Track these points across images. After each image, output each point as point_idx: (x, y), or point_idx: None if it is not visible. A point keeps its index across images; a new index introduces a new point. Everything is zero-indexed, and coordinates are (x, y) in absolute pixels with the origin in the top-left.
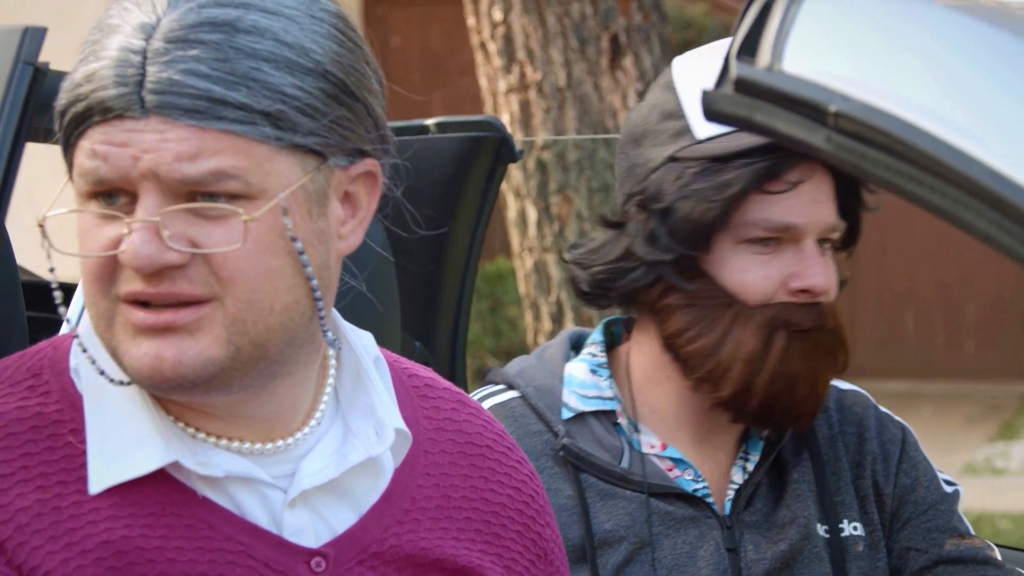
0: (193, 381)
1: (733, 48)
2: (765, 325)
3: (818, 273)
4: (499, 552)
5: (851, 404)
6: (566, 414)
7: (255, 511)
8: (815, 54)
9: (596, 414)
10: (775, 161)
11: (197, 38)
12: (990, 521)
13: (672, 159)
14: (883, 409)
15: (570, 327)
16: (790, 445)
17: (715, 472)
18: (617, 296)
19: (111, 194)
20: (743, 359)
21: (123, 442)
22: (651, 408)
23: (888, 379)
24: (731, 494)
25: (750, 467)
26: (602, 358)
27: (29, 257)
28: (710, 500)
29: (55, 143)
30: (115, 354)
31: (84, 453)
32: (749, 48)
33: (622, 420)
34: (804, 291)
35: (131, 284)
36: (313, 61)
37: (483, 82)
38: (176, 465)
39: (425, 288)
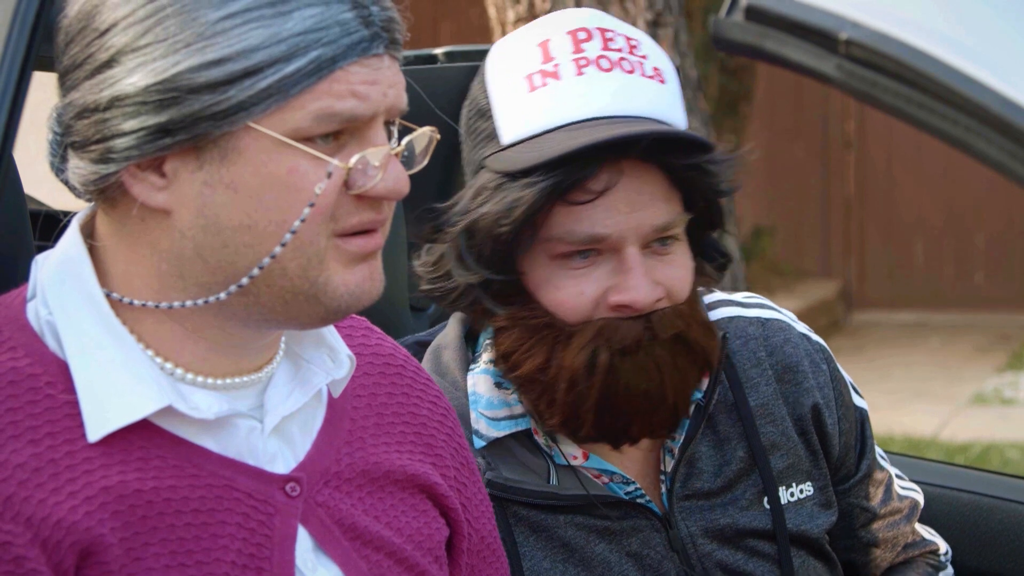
0: (379, 295)
1: None
2: (587, 345)
3: (637, 286)
4: (434, 461)
5: (781, 344)
6: (478, 443)
7: (230, 444)
8: None
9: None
10: (569, 174)
11: None
12: (999, 451)
13: (482, 167)
14: (803, 329)
15: None
16: (724, 413)
17: (643, 466)
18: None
19: (327, 136)
20: (566, 383)
21: (114, 388)
22: None
23: (897, 310)
24: (664, 485)
25: (676, 448)
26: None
27: (36, 187)
28: (645, 500)
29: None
30: (322, 289)
31: (64, 404)
32: None
33: (539, 437)
34: (624, 306)
35: (360, 215)
36: None
37: (492, 12)
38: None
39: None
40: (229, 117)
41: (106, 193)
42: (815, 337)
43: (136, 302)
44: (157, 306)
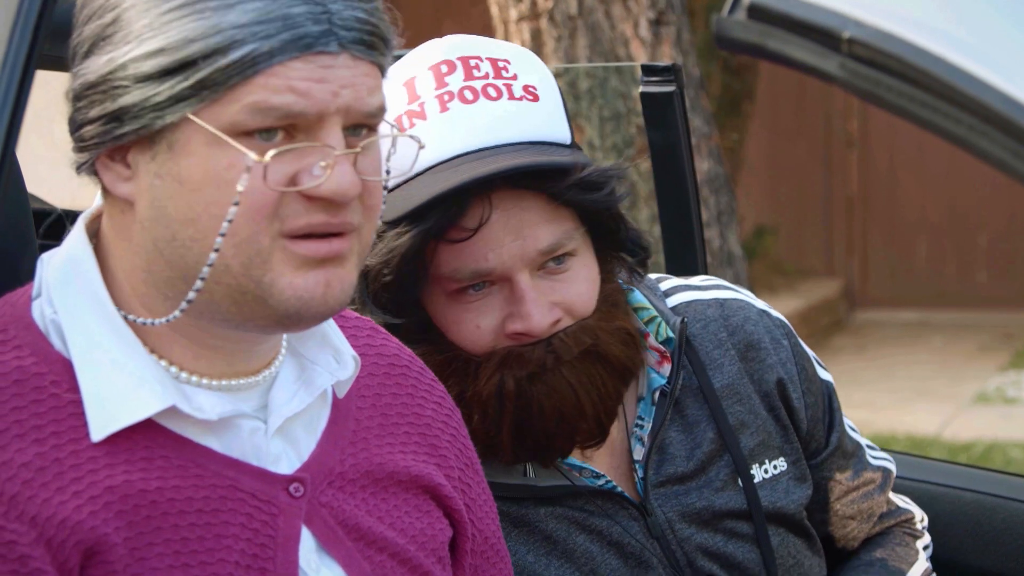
0: (340, 308)
1: None
2: (493, 375)
3: (530, 313)
4: (438, 462)
5: (741, 323)
6: None
7: (234, 444)
8: None
9: None
10: (440, 217)
11: None
12: (1002, 450)
13: None
14: (762, 306)
15: None
16: (690, 397)
17: (612, 457)
18: None
19: (269, 131)
20: (479, 412)
21: (118, 388)
22: None
23: (899, 309)
24: (638, 474)
25: (645, 436)
26: None
27: (39, 186)
28: (620, 490)
29: (69, 71)
30: (268, 290)
31: (69, 404)
32: None
33: None
34: (521, 334)
35: (309, 217)
36: None
37: (494, 10)
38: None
39: None
40: (168, 108)
41: (103, 187)
42: (775, 313)
43: (132, 318)
44: (150, 323)
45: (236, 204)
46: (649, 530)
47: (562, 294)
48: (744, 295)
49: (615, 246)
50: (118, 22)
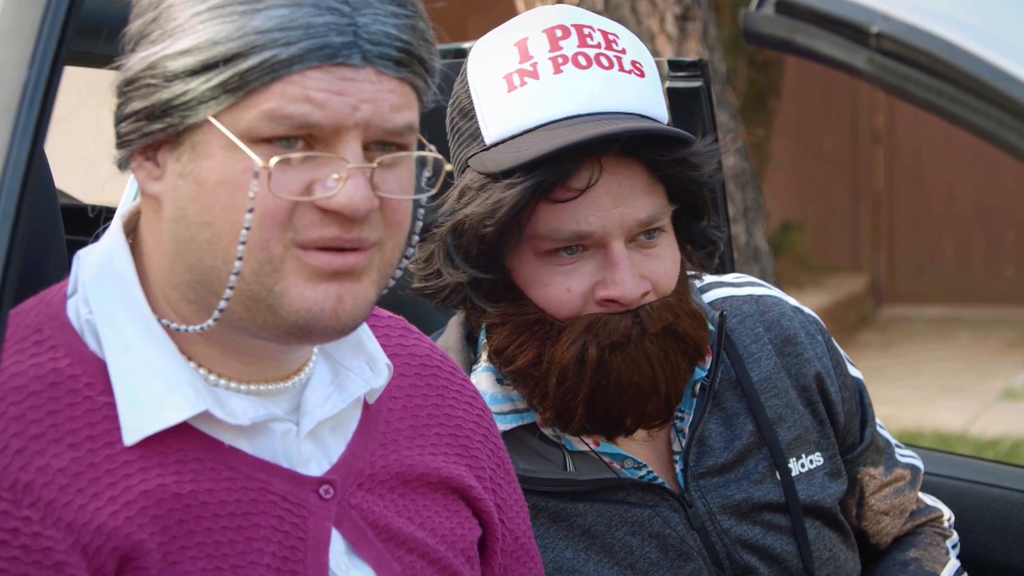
0: (354, 324)
1: None
2: (576, 340)
3: (623, 280)
4: (469, 463)
5: (777, 319)
6: None
7: (266, 446)
8: None
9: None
10: (550, 173)
11: None
12: None
13: (466, 166)
14: (795, 303)
15: None
16: (729, 389)
17: (653, 449)
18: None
19: (289, 139)
20: (556, 377)
21: (152, 393)
22: None
23: (926, 304)
24: (678, 465)
25: (686, 428)
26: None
27: (67, 181)
28: (660, 482)
29: (97, 67)
30: (278, 299)
31: (103, 407)
32: None
33: (545, 429)
34: (611, 300)
35: (323, 229)
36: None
37: (520, 6)
38: (198, 415)
39: None
40: (191, 108)
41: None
42: (807, 310)
43: (165, 322)
44: (181, 329)
45: (251, 211)
46: (690, 521)
47: (650, 268)
48: (777, 292)
49: (692, 234)
50: (157, 20)
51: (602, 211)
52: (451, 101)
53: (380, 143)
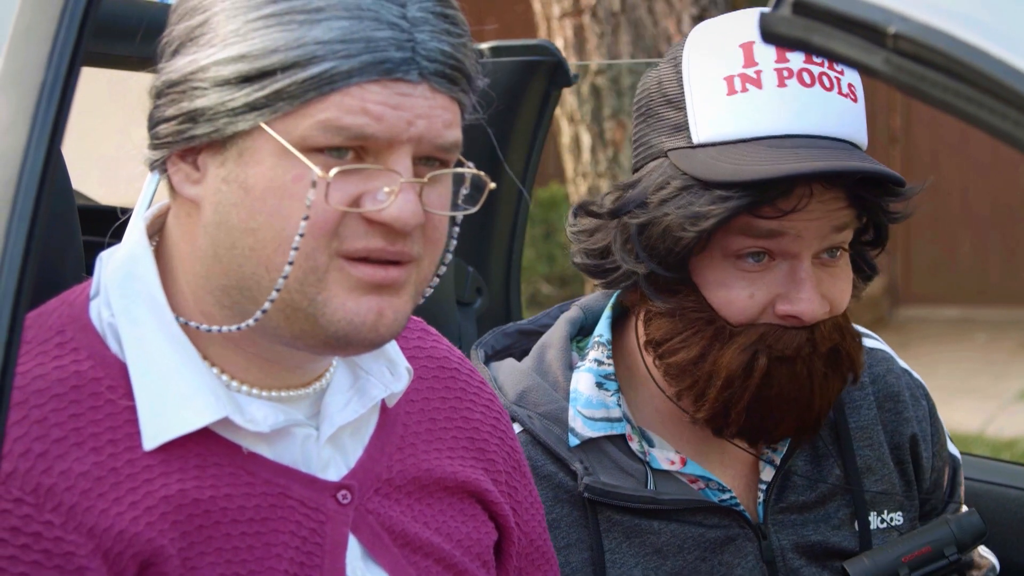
0: (390, 338)
1: None
2: (748, 347)
3: (809, 299)
4: (485, 466)
5: (883, 374)
6: (573, 441)
7: (285, 451)
8: None
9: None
10: (764, 194)
11: (442, 11)
12: None
13: (664, 156)
14: (904, 364)
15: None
16: (824, 430)
17: (741, 473)
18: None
19: (340, 150)
20: (721, 381)
21: (172, 397)
22: (655, 409)
23: (942, 305)
24: (762, 495)
25: (777, 459)
26: (609, 366)
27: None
28: (741, 508)
29: (113, 68)
30: (320, 309)
31: (124, 410)
32: None
33: (633, 443)
34: (792, 316)
35: (368, 240)
36: None
37: (537, 6)
38: (219, 420)
39: (479, 214)
40: (243, 115)
41: (171, 187)
42: (916, 374)
43: (191, 324)
44: (209, 330)
45: (306, 219)
46: (762, 553)
47: (829, 287)
48: (889, 350)
49: (859, 258)
50: (206, 24)
51: (801, 223)
52: (649, 82)
53: (426, 158)
